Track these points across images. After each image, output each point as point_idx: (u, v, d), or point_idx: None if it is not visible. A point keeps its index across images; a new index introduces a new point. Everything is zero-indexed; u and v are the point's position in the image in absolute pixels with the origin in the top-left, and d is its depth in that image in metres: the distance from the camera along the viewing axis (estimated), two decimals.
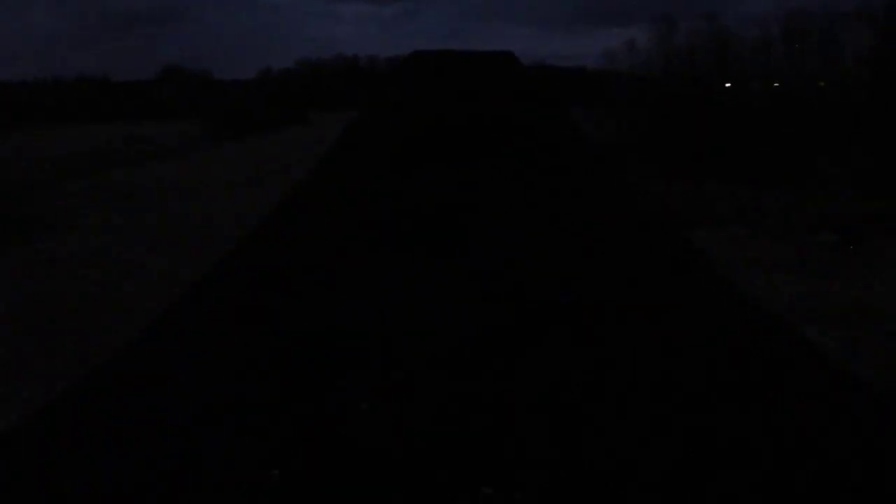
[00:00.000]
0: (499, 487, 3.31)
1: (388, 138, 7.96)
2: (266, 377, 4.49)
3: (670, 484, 3.33)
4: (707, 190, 19.12)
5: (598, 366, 4.52)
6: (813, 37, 31.89)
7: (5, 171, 25.33)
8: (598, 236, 6.26)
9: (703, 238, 13.12)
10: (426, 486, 3.38)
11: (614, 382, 4.33)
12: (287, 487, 3.37)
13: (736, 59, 33.24)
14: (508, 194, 6.93)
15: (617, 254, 6.22)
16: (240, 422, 3.94)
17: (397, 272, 6.05)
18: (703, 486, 3.31)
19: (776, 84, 33.15)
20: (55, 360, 7.45)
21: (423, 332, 5.11)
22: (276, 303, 5.57)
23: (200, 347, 4.99)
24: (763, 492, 3.21)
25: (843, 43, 31.25)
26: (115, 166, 27.67)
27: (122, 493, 3.26)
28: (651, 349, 4.77)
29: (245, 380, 4.46)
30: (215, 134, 43.82)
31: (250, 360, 4.73)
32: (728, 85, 33.15)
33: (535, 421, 3.93)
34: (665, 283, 5.88)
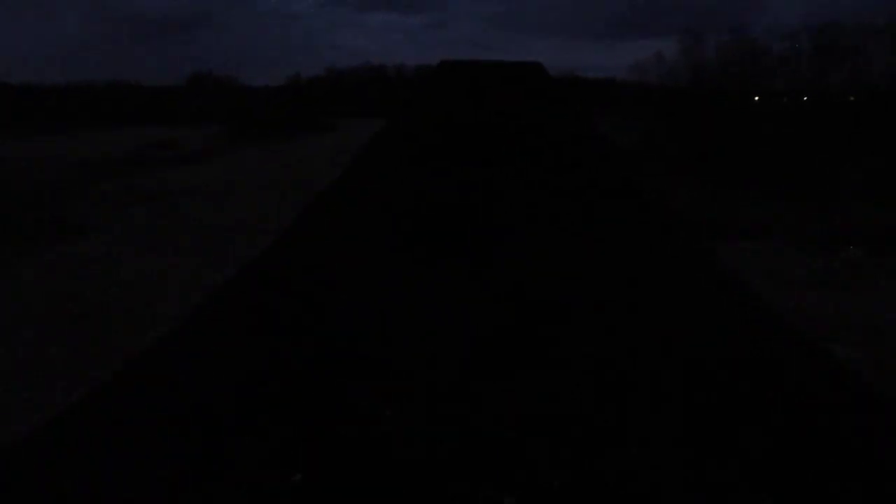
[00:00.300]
0: (521, 497, 3.29)
1: (415, 145, 7.96)
2: (286, 383, 4.50)
3: (682, 492, 3.30)
4: (732, 201, 18.96)
5: (617, 375, 4.49)
6: (843, 50, 31.61)
7: (35, 174, 25.66)
8: (621, 243, 6.21)
9: (727, 250, 13.02)
10: (446, 496, 3.37)
11: (632, 393, 4.29)
12: (308, 492, 3.38)
13: (764, 72, 33.03)
14: (532, 199, 6.91)
15: (637, 260, 6.17)
16: (256, 427, 3.95)
17: (422, 276, 6.05)
18: (716, 495, 3.27)
19: (805, 98, 32.87)
20: (77, 362, 7.53)
21: (446, 336, 5.11)
22: (300, 309, 5.59)
23: (219, 353, 5.02)
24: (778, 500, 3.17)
25: (873, 56, 30.95)
26: (143, 170, 27.94)
27: (132, 500, 3.27)
28: (672, 360, 4.74)
29: (263, 386, 4.48)
30: (243, 139, 44.11)
31: (269, 367, 4.75)
32: (757, 98, 32.92)
33: (556, 428, 3.91)
34: (686, 293, 5.83)
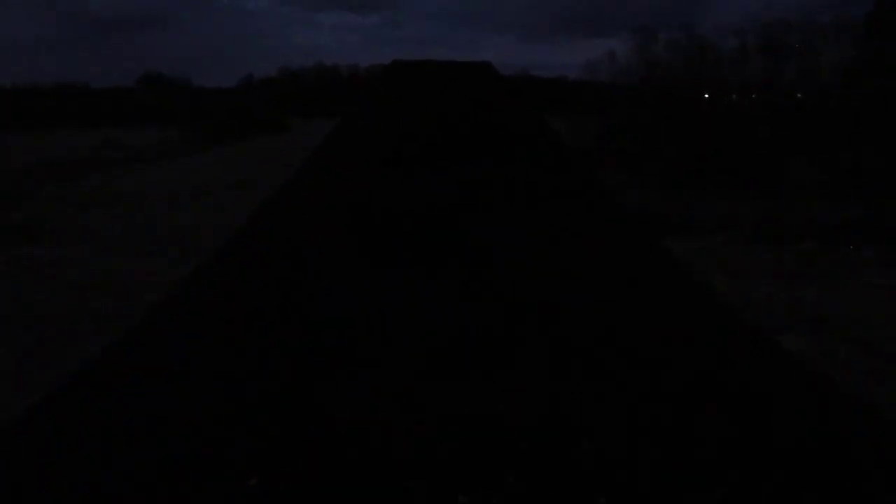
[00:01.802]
0: (475, 496, 3.33)
1: (368, 144, 8.00)
2: (248, 382, 4.49)
3: (652, 491, 3.37)
4: (685, 198, 19.27)
5: (580, 372, 4.56)
6: (790, 47, 32.28)
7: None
8: (578, 240, 6.30)
9: (681, 246, 13.23)
10: (401, 495, 3.40)
11: (595, 389, 4.36)
12: (265, 496, 3.38)
13: (714, 69, 33.55)
14: (487, 198, 6.97)
15: (594, 257, 6.26)
16: (218, 427, 3.94)
17: (384, 274, 6.07)
18: (685, 494, 3.35)
19: (753, 95, 33.48)
20: (27, 365, 7.42)
21: (412, 334, 5.13)
22: (259, 306, 5.58)
23: (180, 353, 4.99)
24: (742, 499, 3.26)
25: (821, 53, 31.64)
26: (94, 172, 27.48)
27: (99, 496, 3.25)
28: (628, 352, 4.82)
29: (225, 385, 4.46)
30: (195, 140, 43.60)
31: (231, 366, 4.73)
32: (707, 96, 33.43)
33: (517, 426, 3.96)
34: (640, 286, 5.94)
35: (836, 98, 28.44)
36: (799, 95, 32.52)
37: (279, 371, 4.76)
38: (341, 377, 4.66)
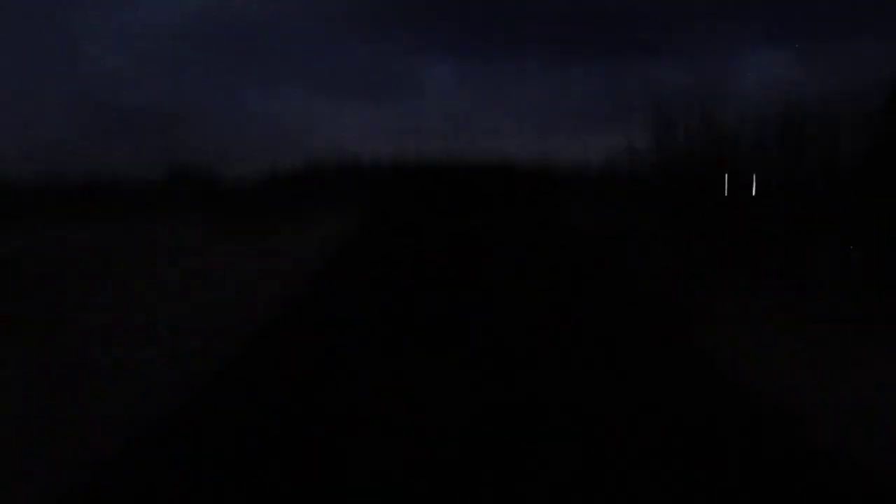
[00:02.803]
0: None
1: (388, 246, 8.09)
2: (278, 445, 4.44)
3: None
4: (709, 286, 19.14)
5: (591, 465, 4.44)
6: (810, 135, 32.43)
7: (11, 270, 25.44)
8: (601, 331, 6.28)
9: (708, 332, 13.07)
10: None
11: (605, 480, 4.25)
12: None
13: (734, 157, 33.74)
14: (510, 292, 7.01)
15: (617, 348, 6.21)
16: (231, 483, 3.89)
17: (397, 364, 6.05)
18: None
19: (775, 182, 33.51)
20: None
21: (419, 419, 5.08)
22: (274, 396, 5.54)
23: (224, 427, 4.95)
24: None
25: (841, 140, 31.74)
26: (117, 266, 27.79)
27: None
28: (643, 440, 4.70)
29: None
30: (221, 232, 44.16)
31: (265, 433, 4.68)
32: (727, 182, 33.52)
33: None
34: (662, 377, 5.85)
35: (856, 185, 28.43)
36: (819, 182, 32.53)
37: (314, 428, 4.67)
38: (369, 443, 4.57)
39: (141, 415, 8.34)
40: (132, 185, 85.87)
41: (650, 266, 22.49)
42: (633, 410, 5.43)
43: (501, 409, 5.60)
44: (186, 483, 5.02)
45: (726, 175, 32.88)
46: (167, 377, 10.83)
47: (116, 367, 11.70)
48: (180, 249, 34.99)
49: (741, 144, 34.21)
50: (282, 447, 5.39)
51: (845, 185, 29.29)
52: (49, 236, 43.19)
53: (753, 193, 32.85)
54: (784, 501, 4.67)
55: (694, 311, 15.18)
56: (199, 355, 12.12)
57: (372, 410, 6.10)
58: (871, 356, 11.98)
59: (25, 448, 7.46)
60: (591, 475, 4.65)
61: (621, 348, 5.59)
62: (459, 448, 5.15)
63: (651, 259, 23.80)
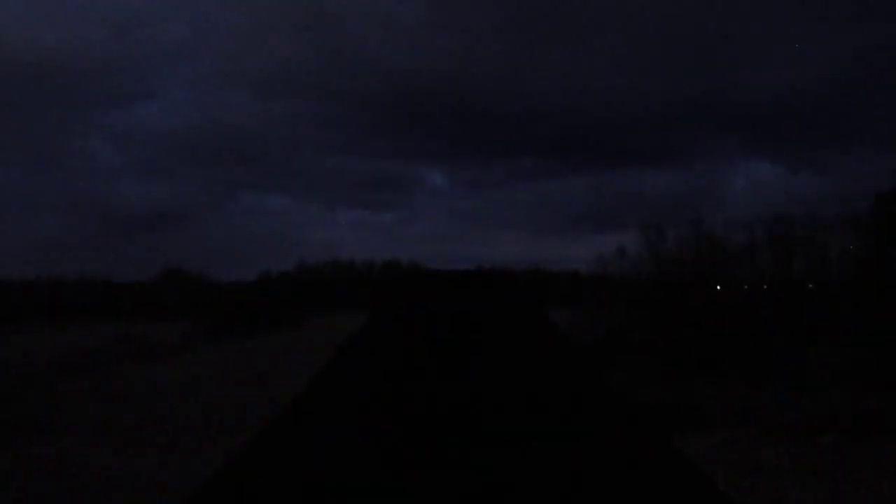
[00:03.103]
0: None
1: (384, 354, 8.11)
2: None
3: None
4: (700, 391, 19.05)
5: None
6: (798, 240, 33.00)
7: (2, 371, 25.25)
8: (585, 446, 6.22)
9: (698, 441, 12.95)
10: None
11: None
12: None
13: (724, 262, 34.19)
14: (501, 403, 6.98)
15: (602, 460, 6.15)
16: None
17: (396, 484, 5.97)
18: None
19: (765, 286, 33.87)
20: None
21: None
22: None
23: None
24: None
25: (828, 246, 32.29)
26: (110, 366, 27.64)
27: None
28: None
29: None
30: (212, 335, 44.08)
31: None
32: (718, 288, 33.85)
33: None
34: (656, 493, 5.78)
35: (848, 287, 28.76)
36: (810, 286, 32.90)
37: None
38: None
39: None
40: (125, 285, 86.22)
41: (637, 372, 22.44)
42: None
43: None
44: None
45: (715, 278, 33.21)
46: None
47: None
48: (171, 349, 34.85)
49: (730, 248, 34.73)
50: None
51: (835, 287, 29.63)
52: (41, 336, 42.97)
53: (743, 296, 33.10)
54: None
55: (684, 416, 15.11)
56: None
57: None
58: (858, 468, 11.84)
59: None
60: None
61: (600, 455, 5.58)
62: None
63: (638, 365, 23.76)
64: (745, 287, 34.97)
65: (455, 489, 6.00)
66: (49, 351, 33.21)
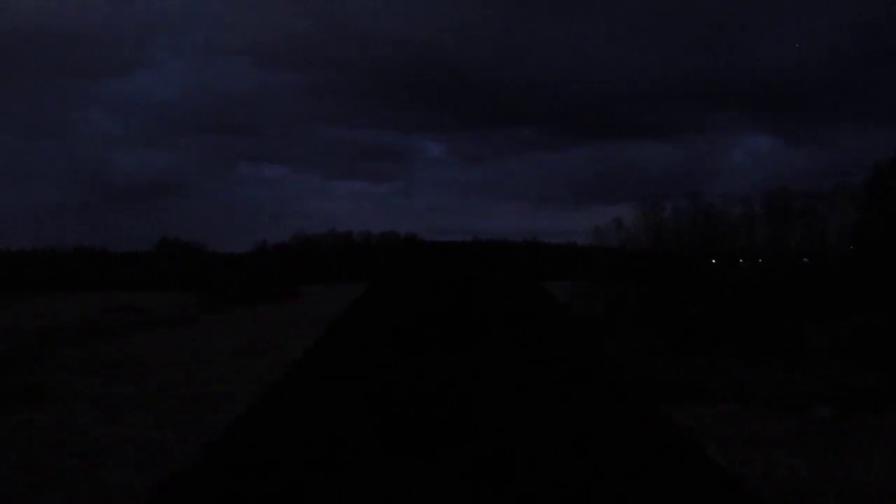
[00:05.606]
0: None
1: (385, 324, 8.12)
2: None
3: None
4: (698, 364, 19.13)
5: None
6: (795, 214, 33.02)
7: (1, 340, 25.27)
8: (583, 418, 6.24)
9: (695, 414, 13.02)
10: None
11: None
12: None
13: (721, 236, 34.21)
14: (494, 380, 6.98)
15: (597, 433, 6.18)
16: None
17: (395, 461, 6.00)
18: None
19: (760, 260, 33.95)
20: None
21: None
22: (269, 488, 5.49)
23: None
24: None
25: (824, 219, 32.34)
26: (108, 336, 27.65)
27: None
28: None
29: None
30: (208, 305, 44.06)
31: None
32: (714, 261, 33.91)
33: None
34: (647, 465, 5.81)
35: (843, 260, 28.83)
36: (805, 259, 32.97)
37: None
38: None
39: None
40: (123, 255, 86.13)
41: (634, 344, 22.49)
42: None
43: None
44: None
45: (712, 251, 33.25)
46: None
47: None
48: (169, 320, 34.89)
49: (728, 221, 34.75)
50: None
51: (832, 259, 29.70)
52: (39, 306, 43.00)
53: (740, 269, 33.16)
54: None
55: (682, 389, 15.17)
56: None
57: None
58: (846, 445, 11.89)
59: None
60: None
61: (599, 431, 5.60)
62: None
63: (635, 338, 23.80)
64: (741, 261, 35.03)
65: (453, 457, 6.01)
66: (47, 320, 33.22)
